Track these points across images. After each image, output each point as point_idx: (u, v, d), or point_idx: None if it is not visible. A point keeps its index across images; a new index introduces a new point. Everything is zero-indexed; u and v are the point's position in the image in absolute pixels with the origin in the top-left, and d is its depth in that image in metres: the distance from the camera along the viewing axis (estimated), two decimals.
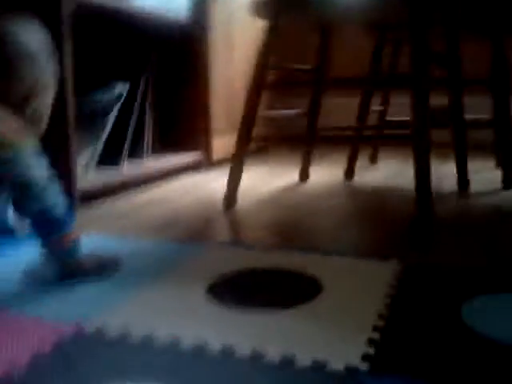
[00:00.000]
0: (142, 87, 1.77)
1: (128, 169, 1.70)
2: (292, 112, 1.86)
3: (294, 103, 1.86)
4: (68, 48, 1.32)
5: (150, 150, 1.87)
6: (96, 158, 1.62)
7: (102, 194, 1.54)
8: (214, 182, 1.79)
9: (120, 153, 1.70)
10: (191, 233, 1.20)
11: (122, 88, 1.67)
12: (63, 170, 1.28)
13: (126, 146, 1.71)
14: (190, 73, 2.01)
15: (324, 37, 1.71)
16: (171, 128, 2.01)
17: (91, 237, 1.06)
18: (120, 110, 1.66)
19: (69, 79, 1.32)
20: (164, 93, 1.95)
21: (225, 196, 1.42)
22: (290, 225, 1.27)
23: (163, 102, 1.95)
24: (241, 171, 1.44)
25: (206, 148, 2.06)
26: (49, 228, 0.81)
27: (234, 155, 1.44)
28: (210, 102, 2.05)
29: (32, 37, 0.83)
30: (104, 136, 1.63)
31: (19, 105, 0.82)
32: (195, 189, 1.73)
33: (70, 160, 1.37)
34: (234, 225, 1.34)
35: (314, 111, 1.74)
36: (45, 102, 0.86)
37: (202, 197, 1.59)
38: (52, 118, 0.89)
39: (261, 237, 1.18)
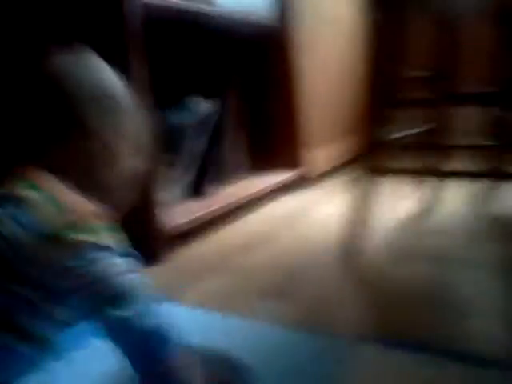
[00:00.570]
0: (224, 102, 1.56)
1: (215, 198, 1.50)
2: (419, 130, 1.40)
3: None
4: (137, 63, 1.12)
5: (239, 172, 1.67)
6: (178, 190, 1.40)
7: (186, 234, 1.31)
8: (319, 206, 1.57)
9: (205, 180, 1.48)
10: (313, 308, 0.90)
11: (203, 106, 1.47)
12: (143, 210, 1.13)
13: (212, 171, 1.51)
14: (275, 81, 1.80)
15: (449, 35, 1.36)
16: (261, 144, 1.79)
17: (179, 309, 0.84)
18: (200, 130, 1.44)
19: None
20: (249, 106, 1.74)
21: (347, 239, 1.12)
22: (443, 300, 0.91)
23: (249, 117, 1.74)
24: (371, 198, 1.10)
25: (304, 163, 1.83)
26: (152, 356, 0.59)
27: (359, 177, 1.12)
28: (301, 112, 1.81)
29: (98, 76, 0.66)
30: (184, 162, 1.40)
31: (91, 175, 0.65)
32: (298, 219, 1.48)
33: (150, 198, 1.18)
34: (374, 294, 0.97)
35: (440, 126, 1.40)
36: (127, 166, 0.68)
37: (311, 233, 1.33)
38: None
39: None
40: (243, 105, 1.76)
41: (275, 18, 1.76)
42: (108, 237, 0.60)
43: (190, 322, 0.78)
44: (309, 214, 1.55)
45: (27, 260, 0.57)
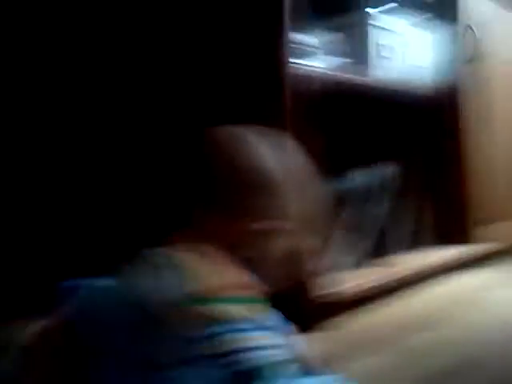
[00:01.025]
0: (402, 170, 1.57)
1: (392, 267, 1.46)
2: None
3: None
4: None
5: (405, 245, 1.65)
6: (355, 256, 1.41)
7: (354, 302, 1.25)
8: (496, 288, 1.42)
9: (383, 248, 1.49)
10: None
11: (388, 171, 1.51)
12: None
13: (391, 239, 1.53)
14: (448, 153, 1.77)
15: None
16: (431, 216, 1.78)
17: None
18: (381, 195, 1.48)
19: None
20: (421, 175, 1.76)
21: None
22: None
23: (422, 186, 1.76)
24: None
25: (477, 240, 1.73)
26: None
27: None
28: (474, 187, 1.74)
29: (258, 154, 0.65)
30: (364, 227, 1.44)
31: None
32: (473, 300, 1.34)
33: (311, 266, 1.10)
34: None
35: None
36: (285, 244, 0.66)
37: (486, 319, 1.18)
38: None
39: None
40: (416, 173, 1.72)
41: (445, 86, 1.72)
42: (247, 309, 0.57)
43: None
44: (484, 295, 1.39)
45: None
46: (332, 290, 1.21)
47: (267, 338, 0.57)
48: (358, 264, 1.43)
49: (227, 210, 0.65)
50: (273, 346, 0.56)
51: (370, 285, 1.32)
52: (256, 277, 0.62)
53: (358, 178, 1.48)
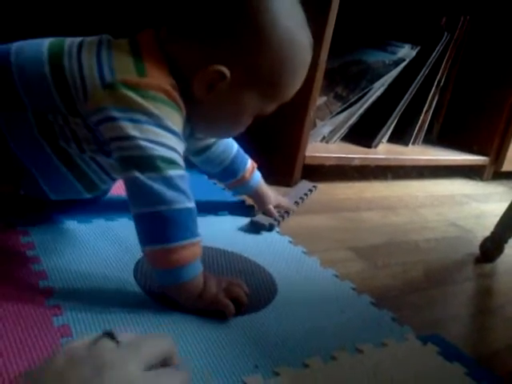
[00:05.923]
0: (434, 57, 1.48)
1: (379, 151, 1.44)
2: None
3: None
4: None
5: (420, 139, 1.63)
6: (345, 129, 1.39)
7: (326, 173, 1.32)
8: (487, 204, 1.46)
9: (377, 130, 1.44)
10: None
11: (406, 52, 1.42)
12: (294, 133, 1.18)
13: (389, 124, 1.47)
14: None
15: None
16: (455, 118, 1.73)
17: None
18: (395, 80, 1.39)
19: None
20: (462, 69, 1.65)
21: (485, 239, 1.06)
22: None
23: (457, 82, 1.66)
24: None
25: (496, 151, 1.71)
26: None
27: None
28: None
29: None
30: (363, 106, 1.37)
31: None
32: (456, 209, 1.37)
33: (305, 123, 1.18)
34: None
35: None
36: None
37: (459, 229, 1.21)
38: None
39: None
40: (455, 66, 1.62)
41: None
42: (162, 108, 0.62)
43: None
44: (469, 206, 1.42)
45: (85, 100, 0.63)
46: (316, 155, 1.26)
47: (165, 137, 0.62)
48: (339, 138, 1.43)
49: (210, 43, 0.65)
50: (167, 146, 0.61)
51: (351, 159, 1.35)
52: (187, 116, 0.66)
53: (370, 55, 1.43)
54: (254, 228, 0.94)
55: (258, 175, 0.98)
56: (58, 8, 1.17)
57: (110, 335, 0.40)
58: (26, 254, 0.70)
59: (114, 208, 0.85)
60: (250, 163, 0.96)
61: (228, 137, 0.90)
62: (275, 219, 0.97)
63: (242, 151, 0.95)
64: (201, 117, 0.69)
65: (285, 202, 1.03)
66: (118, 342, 0.40)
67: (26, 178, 0.71)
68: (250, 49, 0.65)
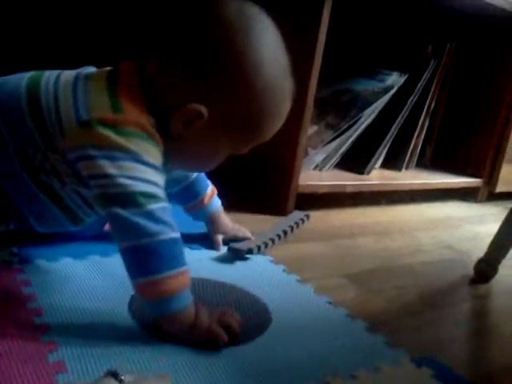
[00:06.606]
0: (422, 83, 1.51)
1: (372, 177, 1.47)
2: None
3: None
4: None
5: (413, 163, 1.65)
6: (338, 157, 1.42)
7: (320, 201, 1.34)
8: (482, 225, 1.48)
9: (370, 157, 1.47)
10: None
11: (394, 79, 1.45)
12: (287, 162, 1.21)
13: (381, 150, 1.50)
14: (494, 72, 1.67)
15: None
16: (447, 140, 1.75)
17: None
18: (385, 106, 1.42)
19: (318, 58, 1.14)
20: (451, 93, 1.67)
21: (479, 260, 1.07)
22: None
23: (447, 105, 1.69)
24: None
25: (489, 173, 1.72)
26: None
27: None
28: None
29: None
30: (355, 133, 1.40)
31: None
32: (451, 232, 1.39)
33: (297, 152, 1.21)
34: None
35: None
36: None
37: (454, 251, 1.23)
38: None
39: None
40: (443, 92, 1.65)
41: None
42: (139, 144, 0.62)
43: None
44: (463, 229, 1.44)
45: (62, 136, 0.64)
46: (309, 183, 1.28)
47: (145, 172, 0.63)
48: (335, 166, 1.45)
49: (189, 73, 0.65)
50: (147, 180, 0.63)
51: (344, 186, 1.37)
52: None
53: (360, 84, 1.46)
54: (233, 255, 0.94)
55: (217, 202, 0.97)
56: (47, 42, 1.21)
57: (114, 375, 0.41)
58: (22, 291, 0.71)
59: (110, 243, 0.86)
60: (210, 188, 0.95)
61: (201, 171, 0.91)
62: (257, 245, 0.96)
63: (204, 176, 0.95)
64: (176, 151, 0.70)
65: (242, 231, 1.01)
66: (121, 381, 0.40)
67: (14, 212, 0.72)
68: (230, 93, 0.65)
